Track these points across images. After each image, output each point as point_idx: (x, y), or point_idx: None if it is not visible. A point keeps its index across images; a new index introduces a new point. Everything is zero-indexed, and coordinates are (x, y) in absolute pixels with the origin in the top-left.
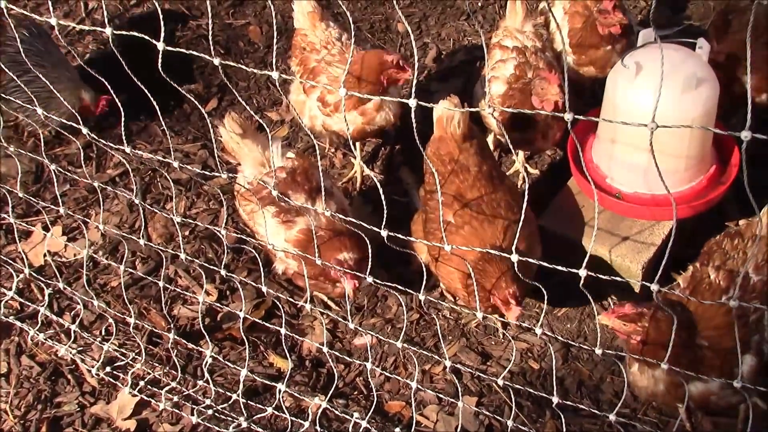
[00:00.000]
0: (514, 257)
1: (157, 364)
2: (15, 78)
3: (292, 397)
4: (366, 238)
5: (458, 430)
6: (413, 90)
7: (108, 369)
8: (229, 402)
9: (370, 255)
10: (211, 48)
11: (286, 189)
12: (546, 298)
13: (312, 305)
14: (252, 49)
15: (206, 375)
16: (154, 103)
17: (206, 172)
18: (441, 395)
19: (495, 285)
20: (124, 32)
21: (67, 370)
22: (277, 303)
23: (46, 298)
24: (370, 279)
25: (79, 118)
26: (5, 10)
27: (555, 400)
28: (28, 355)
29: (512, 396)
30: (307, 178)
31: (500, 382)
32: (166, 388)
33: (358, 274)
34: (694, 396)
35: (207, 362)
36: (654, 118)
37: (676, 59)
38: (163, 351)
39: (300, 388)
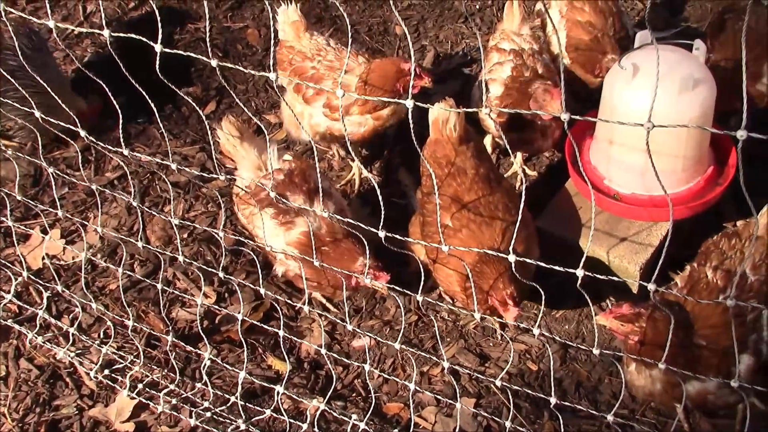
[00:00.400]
0: (512, 257)
1: (155, 367)
2: (18, 86)
3: (290, 399)
4: (364, 240)
5: (456, 431)
6: (410, 91)
7: (106, 372)
8: (228, 404)
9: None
10: (209, 50)
11: (284, 190)
12: (544, 299)
13: (310, 307)
14: (250, 52)
15: (205, 377)
16: (152, 105)
17: (205, 174)
18: (439, 397)
19: (492, 286)
20: (122, 34)
21: (65, 373)
22: (276, 305)
23: (45, 301)
24: (367, 280)
25: (77, 120)
26: (3, 13)
27: (553, 401)
28: (27, 358)
29: (510, 397)
30: (305, 179)
31: (498, 383)
32: (165, 390)
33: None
34: (691, 395)
35: (205, 365)
36: (650, 118)
37: (673, 60)
38: (161, 354)
39: (298, 390)
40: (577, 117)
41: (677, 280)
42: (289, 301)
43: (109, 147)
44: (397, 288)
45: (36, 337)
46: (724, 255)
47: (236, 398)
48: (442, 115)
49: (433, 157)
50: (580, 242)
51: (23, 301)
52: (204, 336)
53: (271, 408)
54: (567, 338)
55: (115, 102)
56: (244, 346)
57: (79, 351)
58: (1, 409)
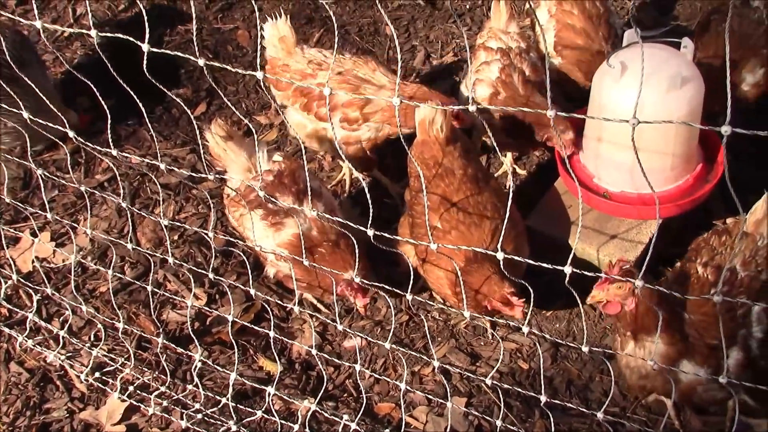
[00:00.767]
0: (500, 255)
1: (146, 369)
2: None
3: (281, 400)
4: (354, 240)
5: (448, 430)
6: (397, 90)
7: (97, 374)
8: (219, 406)
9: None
10: (196, 49)
11: (273, 191)
12: (534, 297)
13: (301, 308)
14: (240, 53)
15: (196, 379)
16: (142, 107)
17: (195, 176)
18: (430, 396)
19: (488, 290)
20: (109, 34)
21: (56, 376)
22: (267, 306)
23: (35, 304)
24: (357, 279)
25: (65, 121)
26: None
27: (543, 399)
28: (17, 362)
29: (501, 396)
30: (294, 180)
31: (489, 382)
32: (156, 392)
33: (365, 286)
34: (682, 385)
35: (196, 366)
36: (635, 114)
37: (661, 58)
38: (152, 356)
39: (289, 391)
40: (564, 114)
41: (668, 275)
42: (280, 302)
43: (99, 149)
44: (387, 287)
45: (26, 341)
46: (714, 251)
47: (227, 400)
48: (429, 115)
49: (421, 158)
50: (570, 241)
51: (13, 304)
52: (195, 338)
53: (263, 409)
54: (557, 337)
55: (104, 104)
56: (235, 347)
57: (70, 354)
58: None
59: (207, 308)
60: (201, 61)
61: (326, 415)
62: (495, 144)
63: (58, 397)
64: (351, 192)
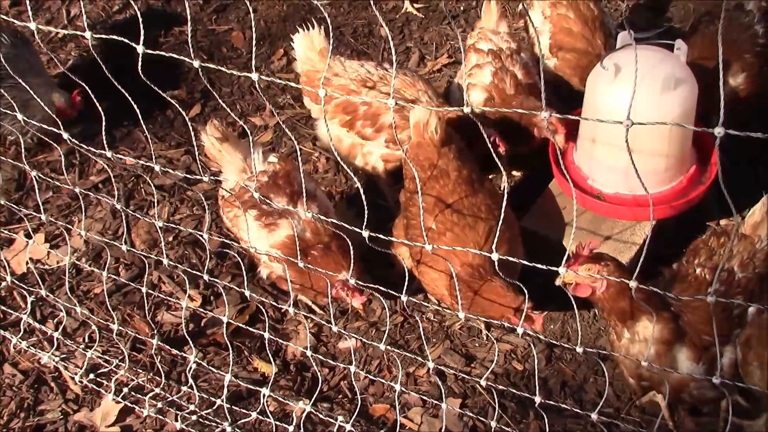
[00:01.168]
0: (495, 256)
1: (140, 371)
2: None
3: (276, 402)
4: (349, 242)
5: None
6: (392, 91)
7: (91, 376)
8: (214, 407)
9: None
10: (191, 50)
11: (268, 192)
12: (528, 298)
13: (296, 309)
14: (235, 54)
15: (190, 380)
16: (136, 108)
17: (190, 177)
18: (425, 397)
19: (504, 311)
20: (103, 36)
21: (50, 377)
22: (261, 308)
23: (29, 305)
24: (352, 281)
25: (59, 123)
26: None
27: (538, 400)
28: (11, 363)
29: (496, 397)
30: (289, 181)
31: (484, 383)
32: (150, 394)
33: (360, 287)
34: (673, 381)
35: (191, 368)
36: (629, 116)
37: (655, 60)
38: (146, 357)
39: (284, 392)
40: (557, 115)
41: (665, 274)
42: (274, 304)
43: (94, 150)
44: (382, 289)
45: (20, 342)
46: (712, 252)
47: (222, 401)
48: (423, 118)
49: (416, 160)
50: (565, 242)
51: (7, 305)
52: (189, 339)
53: (257, 410)
54: (552, 338)
55: (99, 105)
56: (230, 348)
57: (64, 355)
58: None
59: (202, 310)
60: (196, 63)
61: (321, 416)
62: (487, 140)
63: (52, 399)
64: (344, 193)
